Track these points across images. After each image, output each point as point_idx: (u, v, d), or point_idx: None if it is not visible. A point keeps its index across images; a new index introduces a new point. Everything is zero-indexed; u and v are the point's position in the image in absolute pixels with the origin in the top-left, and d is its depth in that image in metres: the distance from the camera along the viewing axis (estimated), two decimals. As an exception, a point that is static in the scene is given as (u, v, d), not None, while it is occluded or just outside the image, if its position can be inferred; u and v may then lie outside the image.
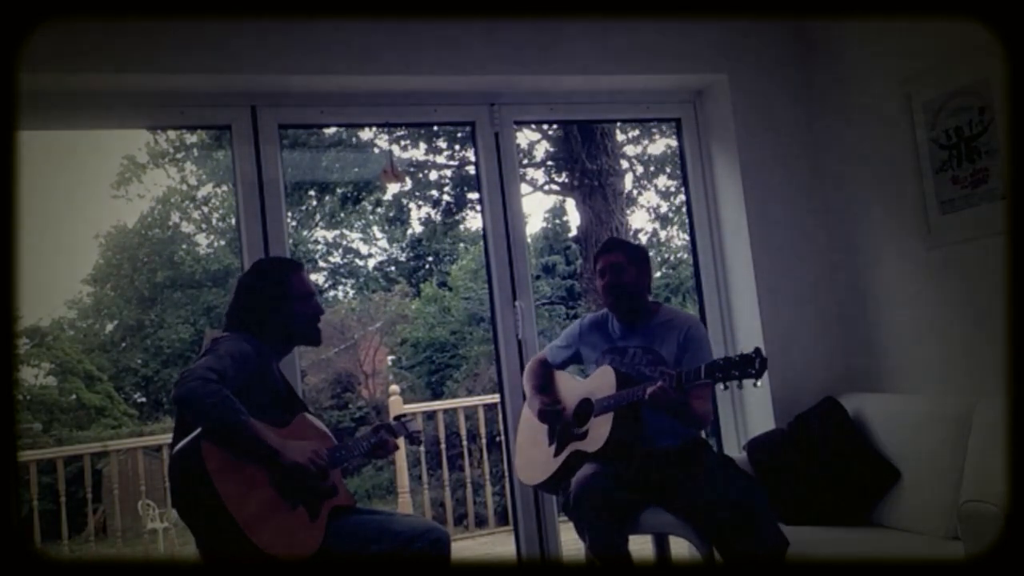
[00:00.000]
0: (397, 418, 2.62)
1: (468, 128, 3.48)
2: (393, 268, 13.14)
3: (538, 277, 10.87)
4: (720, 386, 2.46)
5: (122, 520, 6.74)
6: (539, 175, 9.34)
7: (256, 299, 2.37)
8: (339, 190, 10.86)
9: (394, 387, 7.13)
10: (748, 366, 2.34)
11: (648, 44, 3.38)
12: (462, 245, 12.45)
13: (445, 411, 6.39)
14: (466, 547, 5.88)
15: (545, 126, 8.35)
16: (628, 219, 8.56)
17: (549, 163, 9.17)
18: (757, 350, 2.34)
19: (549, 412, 2.84)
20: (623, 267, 2.84)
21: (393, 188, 11.39)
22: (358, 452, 2.42)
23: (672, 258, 11.68)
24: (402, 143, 8.90)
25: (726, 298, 3.61)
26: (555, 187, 9.35)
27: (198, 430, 2.07)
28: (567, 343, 3.04)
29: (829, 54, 3.48)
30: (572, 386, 2.92)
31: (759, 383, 2.36)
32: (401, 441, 2.60)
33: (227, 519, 1.98)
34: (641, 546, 2.75)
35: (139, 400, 13.26)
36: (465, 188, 10.02)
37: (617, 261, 2.84)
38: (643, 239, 10.95)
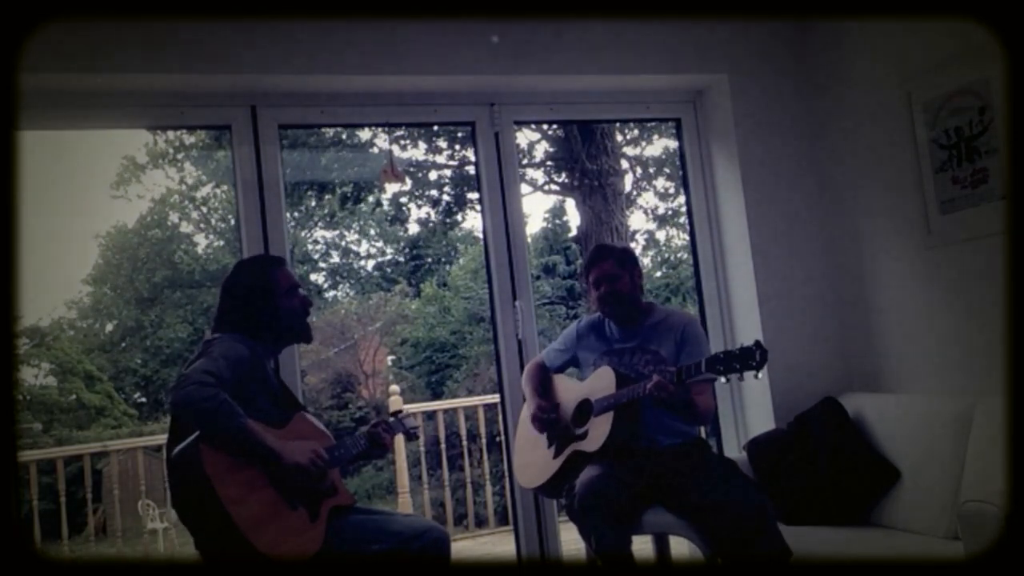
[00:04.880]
0: (394, 414, 2.61)
1: (468, 128, 3.48)
2: (392, 268, 13.14)
3: (538, 277, 10.86)
4: (721, 378, 2.46)
5: (122, 520, 6.73)
6: (539, 175, 9.33)
7: (241, 298, 2.36)
8: (339, 190, 10.85)
9: (394, 387, 7.12)
10: (749, 358, 2.34)
11: (648, 44, 3.39)
12: (462, 245, 12.45)
13: (445, 411, 6.38)
14: (466, 547, 5.88)
15: (545, 126, 8.34)
16: (628, 219, 8.56)
17: (549, 163, 9.16)
18: (757, 342, 2.35)
19: (543, 420, 2.84)
20: (616, 275, 2.84)
21: (393, 188, 11.36)
22: (356, 450, 2.41)
23: (672, 258, 11.68)
24: (402, 143, 8.89)
25: (726, 298, 3.61)
26: (555, 187, 9.34)
27: (196, 433, 2.06)
28: (564, 347, 3.04)
29: (829, 54, 3.48)
30: (571, 388, 2.92)
31: (760, 375, 2.36)
32: (399, 438, 2.59)
33: (228, 523, 1.98)
34: (641, 546, 2.74)
35: (139, 400, 13.27)
36: (465, 188, 10.02)
37: (610, 271, 2.85)
38: (642, 240, 10.96)
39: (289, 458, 2.11)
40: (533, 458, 2.90)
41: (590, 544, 2.56)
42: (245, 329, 2.31)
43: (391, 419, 2.56)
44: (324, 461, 2.21)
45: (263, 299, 2.35)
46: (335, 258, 13.27)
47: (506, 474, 4.38)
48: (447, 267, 12.73)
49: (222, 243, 13.04)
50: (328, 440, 2.35)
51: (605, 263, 2.87)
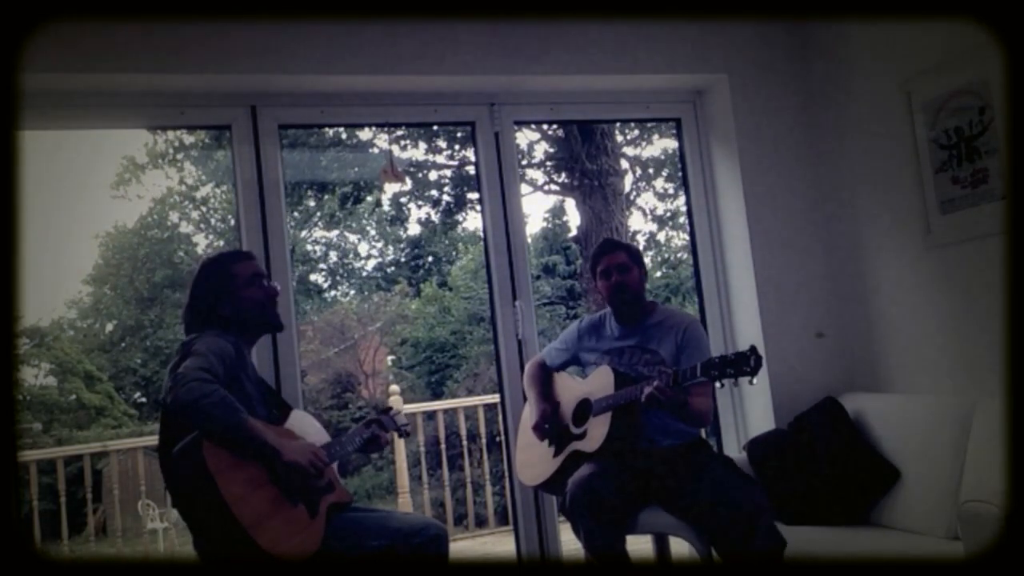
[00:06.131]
0: (385, 411, 2.63)
1: (468, 128, 3.48)
2: (392, 268, 13.13)
3: (538, 277, 10.85)
4: (717, 383, 2.47)
5: (122, 520, 6.73)
6: (539, 175, 9.33)
7: (205, 295, 2.36)
8: (338, 190, 10.85)
9: (394, 387, 7.12)
10: (743, 364, 2.35)
11: (648, 44, 3.39)
12: (462, 245, 12.44)
13: (445, 411, 6.38)
14: (466, 547, 5.88)
15: (545, 126, 8.35)
16: (628, 220, 8.57)
17: (549, 163, 9.17)
18: (752, 348, 2.36)
19: (544, 429, 2.84)
20: (628, 267, 2.84)
21: (393, 188, 11.39)
22: (352, 447, 2.43)
23: (672, 258, 11.68)
24: (402, 143, 8.90)
25: (726, 298, 3.61)
26: (555, 187, 9.34)
27: (196, 431, 2.05)
28: (565, 346, 3.04)
29: (829, 54, 3.48)
30: (571, 387, 2.92)
31: (755, 380, 2.37)
32: (394, 436, 2.61)
33: (231, 521, 1.97)
34: (641, 546, 2.75)
35: (139, 400, 13.25)
36: (465, 188, 10.02)
37: (622, 261, 2.85)
38: (642, 240, 10.96)
39: (288, 456, 2.11)
40: (534, 456, 2.90)
41: (581, 541, 2.56)
42: (218, 324, 2.31)
43: (383, 417, 2.57)
44: (324, 462, 2.21)
45: (223, 292, 2.35)
46: (335, 258, 13.26)
47: (506, 474, 4.38)
48: (447, 267, 12.72)
49: (222, 243, 13.03)
50: (324, 437, 2.36)
51: (616, 254, 2.87)
